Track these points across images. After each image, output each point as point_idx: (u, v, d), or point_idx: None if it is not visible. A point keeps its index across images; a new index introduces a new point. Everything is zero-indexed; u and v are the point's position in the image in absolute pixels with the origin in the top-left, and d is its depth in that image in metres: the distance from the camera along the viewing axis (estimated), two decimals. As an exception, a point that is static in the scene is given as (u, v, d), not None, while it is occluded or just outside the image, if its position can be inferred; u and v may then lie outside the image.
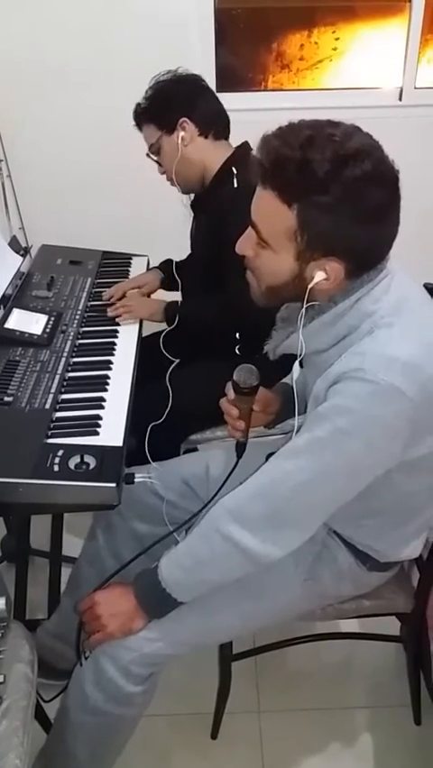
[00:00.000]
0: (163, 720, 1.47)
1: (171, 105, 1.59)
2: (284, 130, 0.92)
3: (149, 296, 1.79)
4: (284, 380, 1.32)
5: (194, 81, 1.65)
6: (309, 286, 0.94)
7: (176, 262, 1.85)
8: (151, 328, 1.76)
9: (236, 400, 1.14)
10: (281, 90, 2.73)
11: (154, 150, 1.64)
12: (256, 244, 0.98)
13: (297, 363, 1.02)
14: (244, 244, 0.99)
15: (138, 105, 1.63)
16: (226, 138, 1.67)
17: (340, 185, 0.87)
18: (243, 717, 1.51)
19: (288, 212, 0.91)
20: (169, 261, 1.87)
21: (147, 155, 1.66)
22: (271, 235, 0.95)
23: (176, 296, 1.77)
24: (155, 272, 1.86)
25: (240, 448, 1.17)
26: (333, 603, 1.28)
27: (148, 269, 1.93)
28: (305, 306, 0.98)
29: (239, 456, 1.16)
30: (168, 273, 1.83)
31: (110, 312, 1.62)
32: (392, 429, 0.94)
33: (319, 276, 0.94)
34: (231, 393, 1.14)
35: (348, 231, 0.90)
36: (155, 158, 1.66)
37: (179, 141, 1.59)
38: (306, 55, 2.66)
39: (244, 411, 1.15)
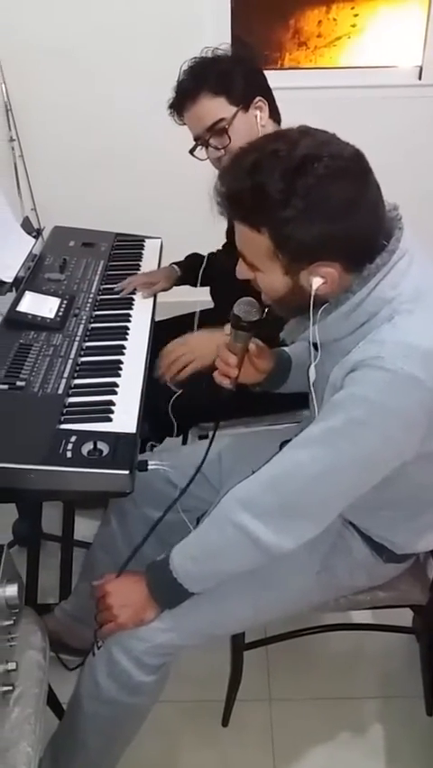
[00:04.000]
0: (174, 707, 1.46)
1: (249, 79, 1.38)
2: (231, 162, 0.95)
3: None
4: (283, 348, 1.29)
5: (256, 60, 1.47)
6: (312, 293, 0.94)
7: (208, 255, 1.72)
8: (163, 314, 1.73)
9: (233, 337, 1.11)
10: (298, 68, 2.67)
11: (219, 128, 1.37)
12: (249, 269, 0.99)
13: (312, 367, 1.01)
14: (241, 270, 1.00)
15: (197, 71, 1.37)
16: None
17: (299, 197, 0.86)
18: (254, 705, 1.50)
19: (260, 236, 0.91)
20: (194, 257, 1.75)
21: (204, 139, 1.39)
22: (255, 260, 0.96)
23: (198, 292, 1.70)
24: (170, 270, 1.74)
25: (226, 396, 1.14)
26: (347, 594, 1.26)
27: (161, 257, 1.88)
28: (316, 311, 0.96)
29: (224, 404, 1.15)
30: (189, 269, 1.73)
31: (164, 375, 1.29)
32: (410, 420, 0.92)
33: (317, 282, 0.93)
34: (227, 328, 1.12)
35: (325, 234, 0.89)
36: (213, 140, 1.39)
37: (258, 120, 1.38)
38: (324, 32, 2.60)
39: (239, 350, 1.12)
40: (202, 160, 1.44)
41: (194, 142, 1.44)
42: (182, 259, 1.77)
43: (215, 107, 1.37)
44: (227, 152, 1.37)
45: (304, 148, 0.88)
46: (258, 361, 1.19)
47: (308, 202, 0.86)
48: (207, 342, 1.31)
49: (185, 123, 1.42)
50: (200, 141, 1.42)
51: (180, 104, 1.39)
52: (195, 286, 1.74)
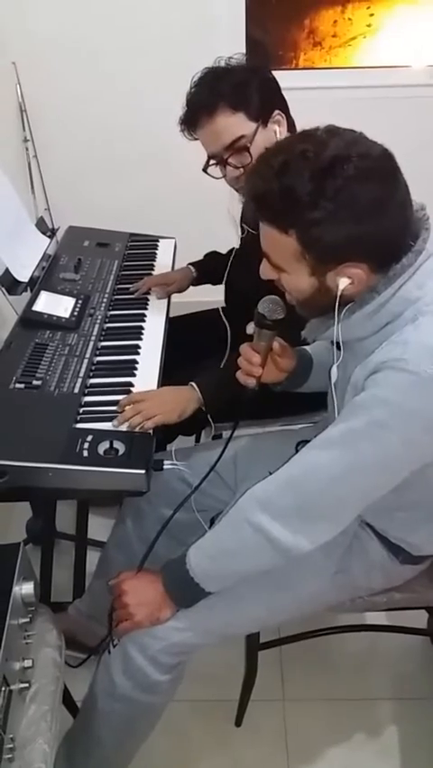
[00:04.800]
0: (188, 706, 1.47)
1: (266, 91, 1.31)
2: (258, 162, 0.94)
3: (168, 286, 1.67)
4: (304, 347, 1.27)
5: (269, 68, 1.37)
6: (338, 294, 0.93)
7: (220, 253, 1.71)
8: (178, 311, 1.74)
9: (257, 336, 1.11)
10: (313, 69, 2.67)
11: (240, 146, 1.29)
12: (273, 270, 0.98)
13: (334, 367, 1.00)
14: (265, 271, 1.00)
15: (212, 84, 1.28)
16: None
17: (327, 198, 0.86)
18: (267, 705, 1.50)
19: (287, 238, 0.91)
20: (212, 256, 1.73)
21: (222, 158, 1.31)
22: (281, 261, 0.96)
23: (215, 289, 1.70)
24: (186, 270, 1.73)
25: (249, 396, 1.13)
26: (363, 595, 1.26)
27: (174, 257, 1.88)
28: (340, 311, 0.96)
29: (247, 407, 1.14)
30: (207, 270, 1.73)
31: (122, 424, 1.17)
32: (432, 423, 0.91)
33: (343, 282, 0.93)
34: (250, 327, 1.11)
35: (353, 235, 0.89)
36: (233, 159, 1.30)
37: (278, 135, 1.30)
38: (339, 32, 2.59)
39: (262, 349, 1.11)
40: (217, 178, 1.35)
41: (208, 158, 1.35)
42: (197, 258, 1.77)
43: (234, 124, 1.28)
44: (246, 171, 1.29)
45: (333, 149, 0.87)
46: (281, 359, 1.19)
47: (336, 203, 0.86)
48: (173, 399, 1.25)
49: (197, 139, 1.33)
50: (217, 159, 1.33)
51: (194, 119, 1.30)
52: (214, 284, 1.72)
